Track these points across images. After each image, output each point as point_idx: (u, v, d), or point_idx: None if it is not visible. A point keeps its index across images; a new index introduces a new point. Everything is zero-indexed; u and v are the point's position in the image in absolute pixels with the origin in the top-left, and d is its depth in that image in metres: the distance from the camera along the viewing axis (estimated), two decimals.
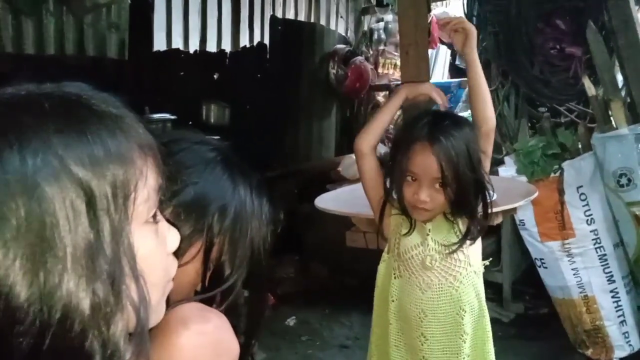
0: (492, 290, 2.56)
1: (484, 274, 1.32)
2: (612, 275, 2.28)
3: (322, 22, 4.55)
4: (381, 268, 1.34)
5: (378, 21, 4.47)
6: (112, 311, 0.40)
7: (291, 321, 2.72)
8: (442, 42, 4.65)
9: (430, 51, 3.93)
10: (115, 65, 3.14)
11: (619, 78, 2.57)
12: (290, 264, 3.10)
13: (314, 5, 4.50)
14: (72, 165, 0.41)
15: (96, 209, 0.41)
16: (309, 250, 3.11)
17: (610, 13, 2.55)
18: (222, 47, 4.10)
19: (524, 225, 2.42)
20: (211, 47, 4.10)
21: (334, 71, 3.89)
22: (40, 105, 0.43)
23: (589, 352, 2.28)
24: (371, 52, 4.29)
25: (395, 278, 1.28)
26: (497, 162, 2.50)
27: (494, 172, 2.35)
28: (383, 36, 4.31)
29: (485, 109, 1.26)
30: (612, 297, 2.26)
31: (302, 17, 4.48)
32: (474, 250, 1.27)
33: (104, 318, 0.40)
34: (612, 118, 2.51)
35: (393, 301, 1.28)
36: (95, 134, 0.43)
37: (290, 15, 4.41)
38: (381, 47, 4.32)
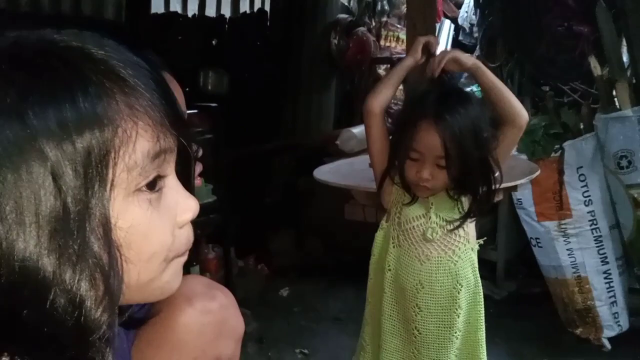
0: (486, 268, 2.57)
1: (479, 252, 1.32)
2: (606, 257, 2.29)
3: None
4: (378, 236, 1.33)
5: None
6: (75, 275, 0.38)
7: (284, 292, 2.73)
8: (446, 16, 4.57)
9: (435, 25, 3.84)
10: (111, 26, 3.06)
11: (626, 58, 2.53)
12: (286, 237, 3.10)
13: None
14: (36, 130, 0.37)
15: (61, 177, 0.38)
16: (306, 224, 3.10)
17: None
18: (222, 12, 4.01)
19: (521, 204, 2.42)
20: (210, 12, 4.00)
21: (335, 42, 3.81)
22: (11, 56, 0.39)
23: (578, 331, 2.30)
24: (374, 24, 4.20)
25: (393, 247, 1.27)
26: None
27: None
28: (387, 7, 4.22)
29: (511, 104, 1.22)
30: (605, 278, 2.28)
31: None
32: (472, 228, 1.27)
33: (66, 281, 0.38)
34: (616, 99, 2.49)
35: (389, 270, 1.28)
36: (67, 91, 0.39)
37: None
38: (384, 19, 4.23)
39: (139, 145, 0.41)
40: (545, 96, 2.67)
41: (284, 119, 3.76)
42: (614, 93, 2.51)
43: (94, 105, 0.39)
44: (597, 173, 2.34)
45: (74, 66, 0.40)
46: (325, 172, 1.85)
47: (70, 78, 0.39)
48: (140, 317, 0.54)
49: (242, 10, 4.10)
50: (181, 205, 0.46)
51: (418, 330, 1.24)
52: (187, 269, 0.57)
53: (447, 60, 1.24)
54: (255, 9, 4.09)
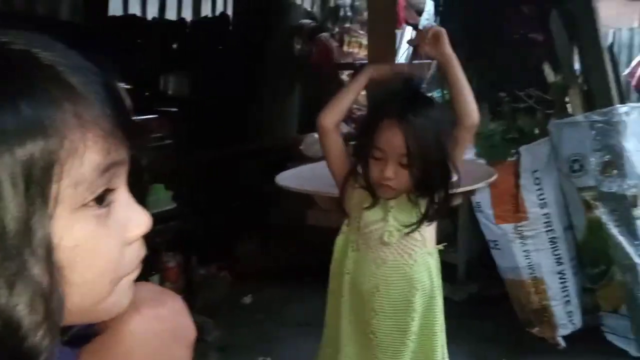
0: (447, 270, 2.60)
1: (440, 255, 1.34)
2: (560, 258, 2.37)
3: None
4: (339, 240, 1.35)
5: None
6: (12, 299, 0.36)
7: (249, 299, 2.69)
8: (408, 23, 4.64)
9: (396, 32, 3.90)
10: (67, 28, 2.97)
11: (579, 66, 2.64)
12: (252, 242, 3.06)
13: None
14: None
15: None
16: (272, 228, 3.07)
17: (573, 1, 2.60)
18: (182, 16, 3.95)
19: (480, 207, 2.47)
20: (170, 15, 3.94)
21: (299, 46, 3.82)
22: None
23: (535, 331, 2.37)
24: (337, 30, 4.23)
25: (352, 251, 1.30)
26: None
27: None
28: (349, 13, 4.26)
29: (466, 103, 1.25)
30: (560, 278, 2.35)
31: None
32: (430, 232, 1.29)
33: (2, 305, 0.36)
34: (569, 105, 2.58)
35: (348, 274, 1.29)
36: (9, 97, 0.35)
37: None
38: (347, 25, 4.26)
39: (87, 157, 0.38)
40: (503, 102, 2.74)
41: (248, 123, 3.74)
42: (567, 99, 2.61)
43: (39, 114, 0.36)
44: (552, 176, 2.42)
45: (19, 70, 0.37)
46: (288, 178, 1.84)
47: (13, 83, 0.36)
48: (86, 333, 0.51)
49: (203, 13, 4.06)
50: (132, 221, 0.43)
51: (374, 334, 1.25)
52: (145, 279, 0.54)
53: (433, 33, 1.26)
54: (217, 13, 4.06)
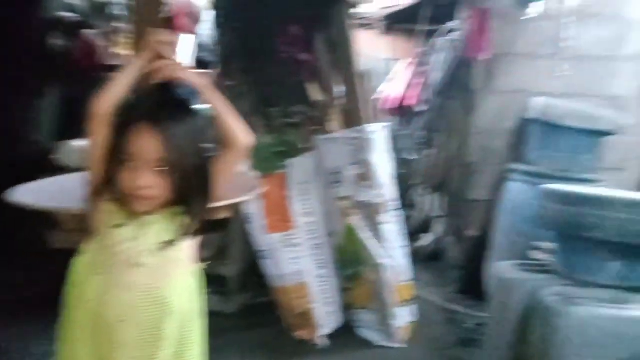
0: (219, 284, 2.59)
1: (211, 268, 1.28)
2: (323, 262, 2.56)
3: None
4: (80, 263, 1.17)
5: None
6: None
7: None
8: (188, 32, 4.54)
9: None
10: None
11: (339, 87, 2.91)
12: None
13: None
14: None
15: None
16: (10, 254, 2.58)
17: (334, 29, 2.88)
18: None
19: (251, 218, 2.52)
20: None
21: (58, 42, 3.38)
22: None
23: (299, 334, 2.50)
24: (106, 28, 3.88)
25: (96, 275, 1.14)
26: None
27: None
28: (120, 12, 3.95)
29: (233, 131, 1.17)
30: (321, 281, 2.54)
31: None
32: (191, 250, 1.21)
33: None
34: (330, 122, 2.84)
35: (89, 301, 1.13)
36: None
37: None
38: (118, 25, 3.95)
39: None
40: (274, 117, 2.87)
41: None
42: (329, 117, 2.86)
43: None
44: (317, 187, 2.62)
45: None
46: (26, 192, 1.57)
47: None
48: None
49: None
50: None
51: None
52: None
53: (171, 71, 1.13)
54: None
